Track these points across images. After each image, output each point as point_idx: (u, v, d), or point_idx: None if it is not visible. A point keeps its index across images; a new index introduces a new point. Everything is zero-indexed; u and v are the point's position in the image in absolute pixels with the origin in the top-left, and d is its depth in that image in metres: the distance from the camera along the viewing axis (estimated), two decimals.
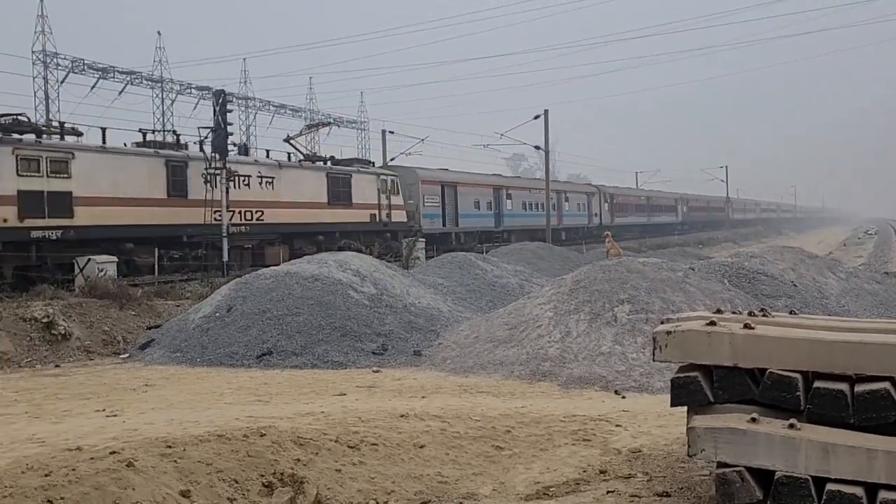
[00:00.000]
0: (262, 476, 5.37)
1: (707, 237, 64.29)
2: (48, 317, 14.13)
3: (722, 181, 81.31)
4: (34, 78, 45.84)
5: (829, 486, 4.26)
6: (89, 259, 18.46)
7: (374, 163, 34.17)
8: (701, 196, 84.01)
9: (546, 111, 38.71)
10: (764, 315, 5.38)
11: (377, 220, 30.81)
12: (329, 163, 29.88)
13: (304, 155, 28.95)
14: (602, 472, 6.03)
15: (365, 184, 30.25)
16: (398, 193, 32.17)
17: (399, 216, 32.12)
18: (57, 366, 13.17)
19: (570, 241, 44.93)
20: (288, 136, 29.64)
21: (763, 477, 4.49)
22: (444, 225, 36.04)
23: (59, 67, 45.59)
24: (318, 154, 31.57)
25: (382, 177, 31.65)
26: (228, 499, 5.08)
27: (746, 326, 4.82)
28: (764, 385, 4.63)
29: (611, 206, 56.69)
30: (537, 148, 41.36)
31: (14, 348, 13.41)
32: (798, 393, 4.52)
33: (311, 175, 27.81)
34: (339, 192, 28.79)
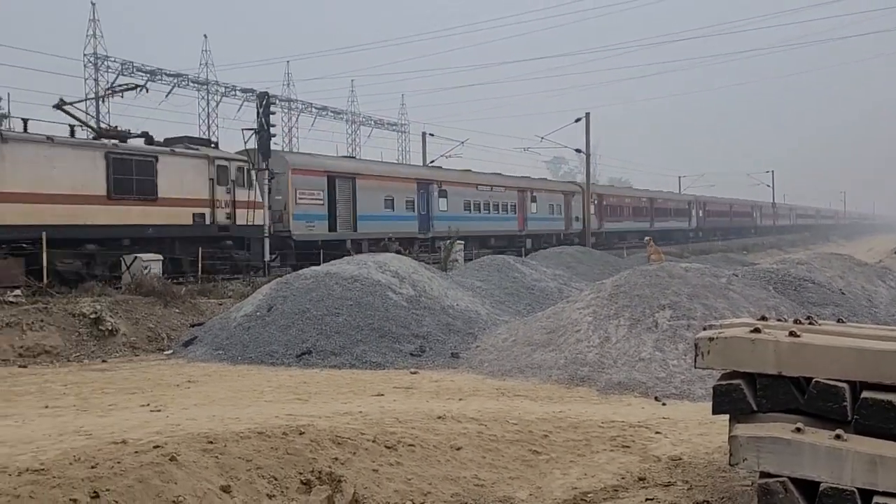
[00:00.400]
0: (301, 474, 5.43)
1: (752, 243, 62.38)
2: (96, 313, 14.48)
3: (768, 186, 79.62)
4: (85, 80, 47.10)
5: (877, 500, 4.15)
6: (136, 257, 18.83)
7: (215, 143, 25.21)
8: (722, 199, 75.28)
9: (587, 114, 38.49)
10: (810, 323, 5.27)
11: (208, 221, 22.06)
12: (143, 140, 21.47)
13: (94, 130, 21.94)
14: (641, 479, 5.96)
15: (185, 170, 21.42)
16: (250, 186, 23.29)
17: (251, 216, 23.17)
18: (104, 361, 13.48)
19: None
20: (61, 100, 21.33)
21: (807, 488, 4.39)
22: (333, 229, 27.14)
23: (110, 70, 46.78)
24: (117, 128, 22.15)
25: (220, 161, 22.57)
26: (268, 495, 5.15)
27: (792, 334, 4.72)
28: (809, 394, 4.53)
29: (599, 209, 47.79)
30: (578, 151, 41.05)
31: (63, 343, 13.77)
32: (845, 403, 4.41)
33: (72, 154, 18.83)
34: (133, 182, 19.93)
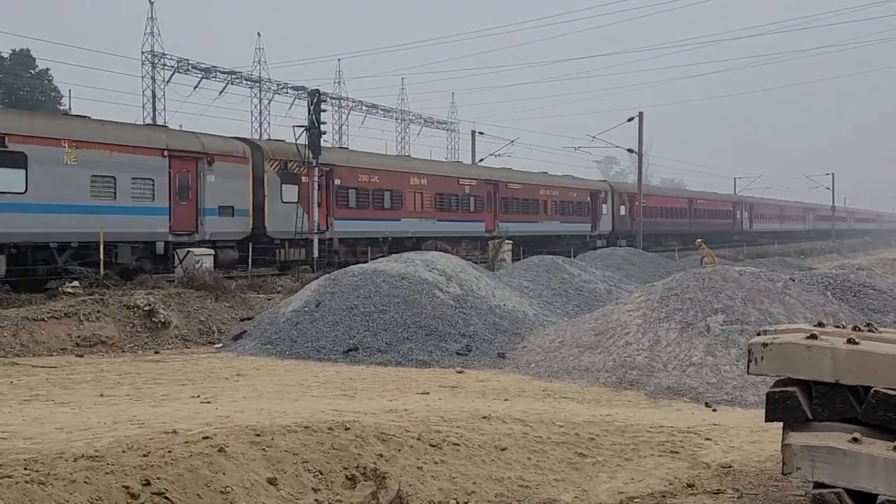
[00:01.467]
0: (346, 469, 5.47)
1: (810, 248, 59.96)
2: (150, 305, 14.83)
3: (828, 189, 77.26)
4: (142, 77, 48.25)
5: None
6: (188, 251, 19.17)
7: None
8: (673, 192, 58.31)
9: (640, 113, 37.98)
10: (870, 330, 5.11)
11: None
12: None
13: None
14: (689, 485, 5.85)
15: None
16: None
17: None
18: (156, 352, 13.80)
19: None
20: None
21: (864, 500, 4.26)
22: None
23: (166, 67, 47.84)
24: None
25: None
26: (313, 489, 5.20)
27: (850, 341, 4.58)
28: (868, 404, 4.40)
29: (325, 196, 24.39)
30: (630, 151, 40.51)
31: (118, 334, 14.14)
32: None
33: None
34: None
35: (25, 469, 4.60)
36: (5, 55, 48.92)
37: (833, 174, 76.14)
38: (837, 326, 5.60)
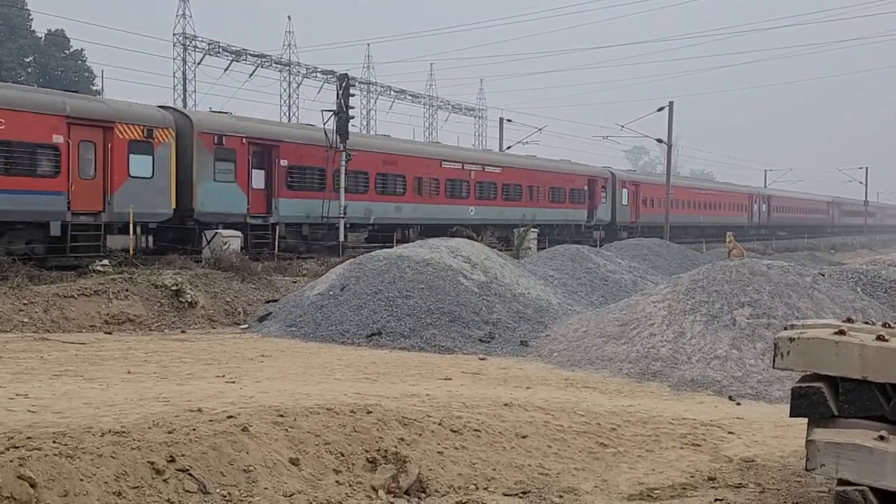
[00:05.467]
0: (367, 452, 5.52)
1: (841, 242, 58.61)
2: (177, 285, 15.01)
3: (861, 183, 75.71)
4: (174, 59, 48.59)
5: None
6: (216, 233, 19.39)
7: None
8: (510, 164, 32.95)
9: (671, 103, 37.54)
10: None
11: None
12: None
13: None
14: (711, 478, 5.82)
15: None
16: None
17: None
18: (183, 331, 13.98)
19: None
20: None
21: (888, 498, 4.21)
22: None
23: (197, 50, 48.12)
24: None
25: None
26: (334, 470, 5.25)
27: (880, 338, 4.51)
28: None
29: None
30: (659, 141, 40.08)
31: (146, 312, 14.34)
32: None
33: None
34: None
35: (54, 442, 4.70)
36: (40, 35, 49.55)
37: (867, 168, 74.45)
38: (867, 323, 5.52)
